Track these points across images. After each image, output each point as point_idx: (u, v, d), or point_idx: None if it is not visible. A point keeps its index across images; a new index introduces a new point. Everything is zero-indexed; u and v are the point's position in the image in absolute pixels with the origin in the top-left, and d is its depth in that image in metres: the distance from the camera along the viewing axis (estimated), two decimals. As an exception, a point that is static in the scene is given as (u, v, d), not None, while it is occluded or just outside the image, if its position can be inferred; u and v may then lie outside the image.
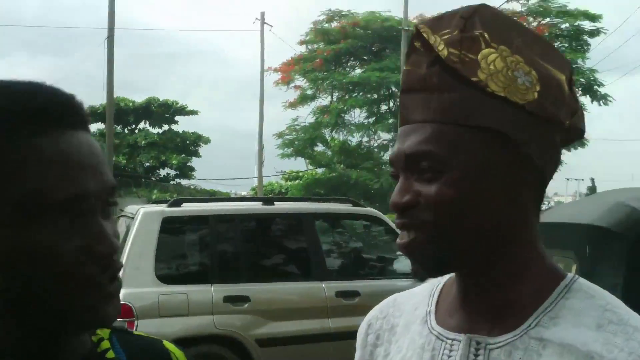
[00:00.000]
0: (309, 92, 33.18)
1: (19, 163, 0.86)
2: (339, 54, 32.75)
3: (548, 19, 32.10)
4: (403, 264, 7.52)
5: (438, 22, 1.06)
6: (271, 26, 33.73)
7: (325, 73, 32.78)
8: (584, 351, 0.99)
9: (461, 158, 1.01)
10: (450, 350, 1.09)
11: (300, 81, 33.48)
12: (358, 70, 33.45)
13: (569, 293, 1.06)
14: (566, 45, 32.04)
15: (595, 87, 31.01)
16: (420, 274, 1.07)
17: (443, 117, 1.02)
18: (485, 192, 1.02)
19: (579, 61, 31.18)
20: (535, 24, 32.22)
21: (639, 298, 4.47)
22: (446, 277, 1.20)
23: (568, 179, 63.21)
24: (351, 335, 5.92)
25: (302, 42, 33.95)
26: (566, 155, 31.98)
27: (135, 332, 1.15)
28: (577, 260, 4.78)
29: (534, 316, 1.04)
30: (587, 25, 31.54)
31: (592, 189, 57.75)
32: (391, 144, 32.12)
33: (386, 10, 33.72)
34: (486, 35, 1.03)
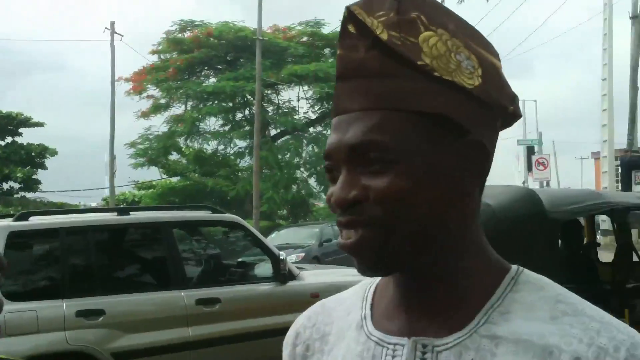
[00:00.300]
0: (162, 101, 32.66)
1: None
2: (192, 63, 32.52)
3: (397, 30, 33.23)
4: (263, 268, 7.49)
5: (369, 4, 0.96)
6: (122, 36, 32.86)
7: (178, 82, 32.43)
8: (540, 345, 0.92)
9: (412, 147, 0.93)
10: (394, 357, 0.99)
11: (153, 90, 32.97)
12: (212, 80, 33.30)
13: (516, 286, 0.98)
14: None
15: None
16: (367, 274, 0.98)
17: (389, 104, 0.93)
18: (437, 184, 0.94)
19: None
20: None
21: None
22: (377, 278, 1.10)
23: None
24: (211, 342, 5.80)
25: (154, 52, 33.46)
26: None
27: None
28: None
29: (482, 312, 0.97)
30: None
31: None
32: (247, 150, 32.18)
33: (240, 21, 33.75)
34: (423, 18, 0.95)
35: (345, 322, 1.09)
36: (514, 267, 1.01)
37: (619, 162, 20.76)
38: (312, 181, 32.67)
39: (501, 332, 0.94)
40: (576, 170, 67.63)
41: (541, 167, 26.11)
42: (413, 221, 0.93)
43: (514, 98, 1.01)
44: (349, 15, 0.97)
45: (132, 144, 32.33)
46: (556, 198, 4.98)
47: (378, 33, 0.94)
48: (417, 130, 0.93)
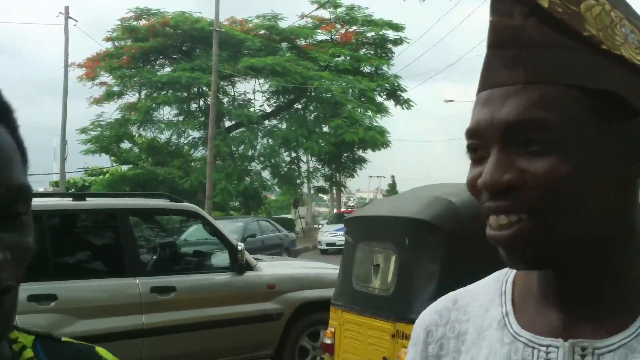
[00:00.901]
0: (116, 89, 32.21)
1: None
2: (147, 51, 32.14)
3: (355, 27, 33.33)
4: (220, 258, 7.45)
5: None
6: (76, 21, 32.19)
7: (132, 70, 32.00)
8: None
9: (577, 127, 0.82)
10: (547, 359, 0.90)
11: (106, 78, 32.46)
12: (167, 69, 32.94)
13: None
14: (372, 52, 33.48)
15: (399, 92, 32.68)
16: (520, 268, 0.89)
17: (553, 78, 0.83)
18: (603, 169, 0.83)
19: (384, 67, 32.71)
20: (343, 31, 33.30)
21: (456, 286, 4.73)
22: (512, 270, 1.01)
23: (370, 176, 65.89)
24: (166, 330, 5.71)
25: (108, 39, 32.92)
26: (369, 154, 33.40)
27: (63, 339, 1.00)
28: (397, 251, 4.93)
29: None
30: (391, 34, 33.18)
31: (392, 186, 60.72)
32: (200, 141, 31.93)
33: (197, 11, 33.47)
34: None
35: (484, 320, 0.99)
36: None
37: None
38: (265, 174, 32.59)
39: None
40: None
41: (492, 169, 26.40)
42: (577, 211, 0.83)
43: None
44: None
45: (84, 130, 31.80)
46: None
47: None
48: (583, 108, 0.83)
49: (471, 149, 0.89)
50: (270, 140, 31.86)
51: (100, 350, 1.02)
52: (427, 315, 1.06)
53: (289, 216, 42.05)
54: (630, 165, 0.85)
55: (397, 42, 33.09)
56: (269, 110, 33.52)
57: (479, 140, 0.87)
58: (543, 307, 0.93)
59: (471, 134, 0.88)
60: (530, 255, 0.84)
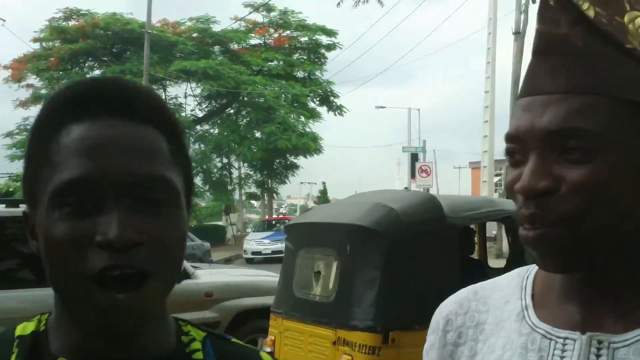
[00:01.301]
0: (43, 91, 31.39)
1: (53, 153, 0.85)
2: (76, 53, 31.43)
3: (288, 32, 33.34)
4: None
5: None
6: (4, 21, 31.28)
7: (61, 72, 31.24)
8: None
9: (617, 138, 0.85)
10: (563, 351, 0.94)
11: (34, 80, 31.60)
12: (97, 72, 32.29)
13: None
14: (305, 57, 33.56)
15: (332, 97, 32.83)
16: (550, 270, 0.91)
17: (595, 88, 0.86)
18: (638, 179, 0.87)
19: (317, 73, 32.83)
20: (276, 35, 33.28)
21: (396, 291, 4.73)
22: (534, 266, 1.03)
23: (302, 183, 65.92)
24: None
25: (35, 40, 32.05)
26: (301, 160, 33.47)
27: (233, 340, 1.05)
28: (338, 258, 4.93)
29: None
30: (324, 39, 33.32)
31: (323, 192, 60.97)
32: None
33: (128, 13, 32.87)
34: None
35: (503, 312, 1.03)
36: None
37: (502, 171, 21.62)
38: (197, 180, 32.29)
39: None
40: (454, 178, 69.89)
41: (424, 174, 26.74)
42: (609, 217, 0.86)
43: None
44: None
45: (9, 134, 30.93)
46: (455, 204, 5.11)
47: (584, 9, 0.87)
48: (625, 119, 0.85)
49: (510, 153, 0.92)
50: (202, 145, 31.59)
51: (265, 355, 1.03)
52: (448, 305, 1.10)
53: (220, 223, 41.70)
54: None
55: (331, 47, 33.26)
56: (200, 114, 33.25)
57: (518, 145, 0.90)
58: (563, 302, 0.96)
59: (511, 138, 0.91)
60: (561, 261, 0.88)
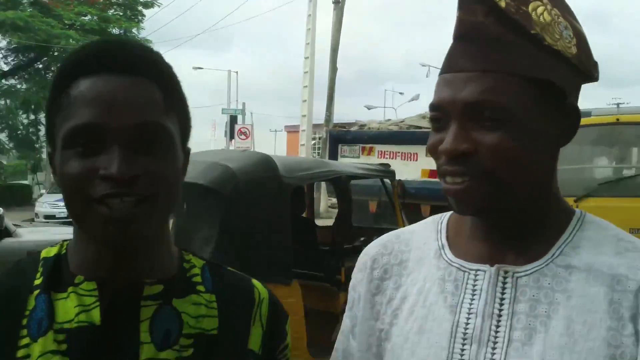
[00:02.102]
0: None
1: (65, 103, 1.02)
2: None
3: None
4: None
5: None
6: None
7: None
8: (610, 274, 1.07)
9: (522, 109, 1.03)
10: (475, 280, 1.12)
11: None
12: None
13: (583, 225, 1.14)
14: (121, 13, 32.39)
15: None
16: (465, 213, 1.11)
17: (505, 68, 1.03)
18: (539, 143, 1.06)
19: (134, 30, 31.84)
20: (90, -11, 31.84)
21: (232, 247, 4.83)
22: (448, 213, 1.24)
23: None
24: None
25: None
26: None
27: (228, 268, 1.23)
28: (175, 215, 4.95)
29: (557, 246, 1.12)
30: (142, -4, 32.31)
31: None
32: None
33: None
34: None
35: (423, 251, 1.22)
36: (578, 210, 1.17)
37: (319, 135, 22.22)
38: (2, 136, 30.44)
39: (574, 262, 1.10)
40: (270, 141, 70.68)
41: (243, 137, 26.89)
42: (516, 175, 1.05)
43: (596, 65, 1.12)
44: None
45: None
46: (290, 164, 5.27)
47: (497, 0, 1.04)
48: (527, 94, 1.04)
49: (434, 120, 1.10)
50: (8, 100, 29.73)
51: (255, 282, 1.22)
52: (374, 247, 1.29)
53: (26, 182, 39.62)
54: (560, 139, 1.11)
55: (148, 5, 32.30)
56: (6, 68, 31.20)
57: (441, 114, 1.08)
58: (472, 241, 1.17)
59: (435, 107, 1.09)
60: (476, 206, 1.08)
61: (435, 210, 8.58)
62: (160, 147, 1.02)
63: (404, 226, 6.32)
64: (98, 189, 0.98)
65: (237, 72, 42.77)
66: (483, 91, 1.03)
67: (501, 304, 1.10)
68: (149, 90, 1.03)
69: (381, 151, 10.90)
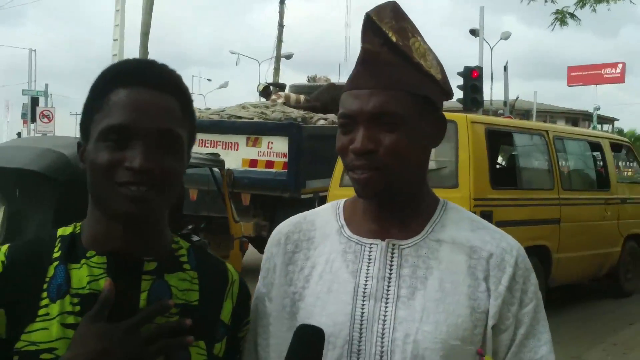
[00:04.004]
0: None
1: (105, 105, 1.31)
2: None
3: None
4: None
5: (379, 13, 1.42)
6: None
7: None
8: (468, 245, 1.46)
9: (410, 117, 1.39)
10: (370, 251, 1.46)
11: None
12: None
13: (446, 210, 1.52)
14: None
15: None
16: (368, 197, 1.44)
17: (398, 86, 1.39)
18: (421, 143, 1.44)
19: None
20: None
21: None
22: (343, 200, 1.59)
23: None
24: None
25: None
26: None
27: (209, 251, 1.53)
28: (6, 202, 4.89)
29: (429, 225, 1.49)
30: None
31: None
32: None
33: None
34: (409, 26, 1.44)
35: (326, 229, 1.53)
36: (442, 199, 1.54)
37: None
38: None
39: (443, 237, 1.47)
40: (71, 125, 67.69)
41: (46, 120, 25.78)
42: (407, 167, 1.41)
43: (450, 87, 1.50)
44: (368, 20, 1.43)
45: None
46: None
47: (389, 35, 1.40)
48: (413, 106, 1.40)
49: (343, 125, 1.44)
50: None
51: (229, 266, 1.50)
52: (285, 226, 1.59)
53: None
54: (434, 140, 1.49)
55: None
56: None
57: (350, 121, 1.42)
58: (366, 221, 1.51)
59: (345, 116, 1.43)
60: (377, 191, 1.42)
61: (255, 199, 9.05)
62: (173, 150, 1.31)
63: (232, 213, 6.67)
64: (122, 175, 1.26)
65: (35, 51, 40.62)
66: (383, 103, 1.38)
67: (391, 269, 1.44)
68: (170, 104, 1.33)
69: (202, 140, 10.98)
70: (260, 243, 11.23)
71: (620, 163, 13.64)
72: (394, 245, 1.46)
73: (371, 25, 1.43)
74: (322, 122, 11.46)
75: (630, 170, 17.50)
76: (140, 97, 1.30)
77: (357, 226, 1.51)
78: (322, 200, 9.56)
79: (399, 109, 1.38)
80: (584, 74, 54.25)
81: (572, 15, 11.85)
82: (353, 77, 1.45)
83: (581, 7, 11.66)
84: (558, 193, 8.70)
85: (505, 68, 30.28)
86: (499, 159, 11.03)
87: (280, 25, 29.92)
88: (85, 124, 1.34)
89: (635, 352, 7.44)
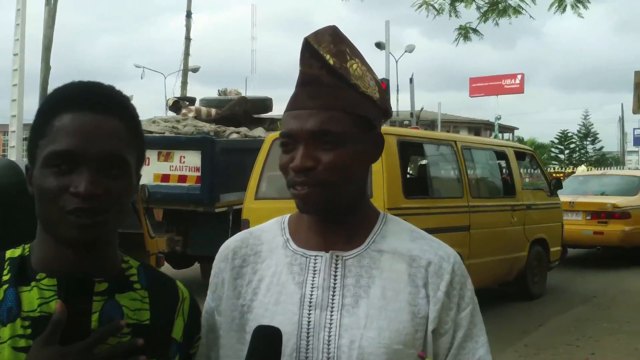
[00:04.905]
0: None
1: (49, 130, 1.29)
2: None
3: None
4: None
5: (317, 37, 1.49)
6: None
7: None
8: (408, 255, 1.52)
9: (349, 135, 1.45)
10: (315, 263, 1.51)
11: None
12: None
13: (386, 222, 1.58)
14: None
15: None
16: (309, 212, 1.49)
17: (336, 106, 1.45)
18: (361, 159, 1.49)
19: None
20: None
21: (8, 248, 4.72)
22: (287, 215, 1.63)
23: None
24: None
25: None
26: None
27: (158, 270, 1.53)
28: None
29: (370, 236, 1.55)
30: None
31: None
32: None
33: None
34: (347, 50, 1.50)
35: (272, 244, 1.58)
36: (382, 212, 1.61)
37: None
38: None
39: (384, 247, 1.53)
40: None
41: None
42: (346, 183, 1.46)
43: (390, 106, 1.55)
44: (307, 44, 1.49)
45: None
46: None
47: (327, 58, 1.43)
48: (352, 125, 1.46)
49: (284, 144, 1.49)
50: None
51: (179, 283, 1.51)
52: (233, 242, 1.64)
53: None
54: (373, 156, 1.55)
55: None
56: None
57: (290, 140, 1.47)
58: (310, 234, 1.56)
59: (286, 135, 1.48)
60: (318, 206, 1.47)
61: (168, 214, 8.96)
62: (119, 173, 1.30)
63: (148, 228, 6.61)
64: (69, 203, 1.25)
65: None
66: (322, 122, 1.43)
67: (335, 279, 1.49)
68: (116, 127, 1.32)
69: (113, 155, 10.69)
70: (173, 258, 11.13)
71: (522, 170, 14.13)
72: (337, 256, 1.51)
73: (309, 49, 1.48)
74: (234, 135, 11.45)
75: (529, 177, 18.24)
76: (84, 122, 1.29)
77: (301, 240, 1.56)
78: (237, 214, 9.55)
79: (337, 128, 1.43)
80: (485, 85, 56.20)
81: (475, 31, 12.23)
82: (293, 99, 1.50)
83: (484, 22, 12.06)
84: (467, 201, 8.97)
85: (411, 80, 31.03)
86: (410, 169, 11.27)
87: (187, 39, 29.77)
88: (31, 149, 1.33)
89: (546, 352, 7.72)
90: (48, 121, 1.31)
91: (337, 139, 1.43)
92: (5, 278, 1.32)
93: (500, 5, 11.87)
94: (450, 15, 11.98)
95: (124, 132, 1.32)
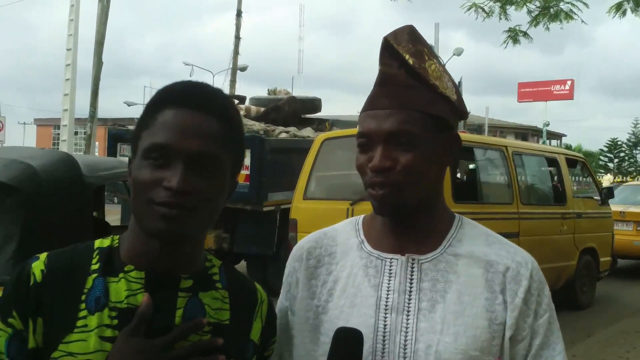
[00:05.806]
0: None
1: (152, 124, 1.33)
2: None
3: None
4: None
5: (396, 37, 1.48)
6: None
7: None
8: (485, 259, 1.50)
9: (426, 136, 1.43)
10: (391, 266, 1.50)
11: None
12: None
13: (462, 225, 1.56)
14: None
15: None
16: (384, 214, 1.49)
17: (414, 107, 1.44)
18: (437, 161, 1.47)
19: None
20: None
21: (37, 244, 4.80)
22: (361, 216, 1.63)
23: None
24: None
25: None
26: None
27: (238, 270, 1.53)
28: None
29: (446, 240, 1.53)
30: None
31: None
32: None
33: None
34: (425, 50, 1.49)
35: (347, 245, 1.58)
36: (457, 215, 1.59)
37: (84, 130, 21.54)
38: None
39: (460, 251, 1.51)
40: (18, 134, 66.45)
41: (-4, 129, 25.31)
42: (422, 184, 1.45)
43: (465, 106, 1.52)
44: (386, 44, 1.48)
45: None
46: (91, 163, 5.29)
47: (406, 58, 1.41)
48: (429, 125, 1.44)
49: (361, 144, 1.48)
50: None
51: (258, 285, 1.53)
52: (307, 242, 1.64)
53: None
54: (449, 158, 1.52)
55: None
56: None
57: (368, 140, 1.47)
58: (385, 237, 1.55)
59: (363, 135, 1.48)
60: (394, 207, 1.47)
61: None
62: (211, 173, 1.32)
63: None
64: (160, 195, 1.27)
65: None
66: (400, 123, 1.42)
67: (411, 283, 1.48)
68: (213, 127, 1.33)
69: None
70: (220, 255, 11.19)
71: (573, 178, 13.89)
72: (413, 259, 1.50)
73: (389, 48, 1.47)
74: (283, 135, 11.48)
75: (577, 185, 17.91)
76: (183, 118, 1.31)
77: (376, 241, 1.55)
78: (284, 213, 9.58)
79: (414, 128, 1.42)
80: (534, 90, 55.48)
81: (525, 34, 11.99)
82: (371, 98, 1.49)
83: (535, 26, 11.84)
84: (517, 207, 8.85)
85: (460, 83, 30.75)
86: (459, 174, 11.18)
87: (237, 38, 29.89)
88: (134, 140, 1.36)
89: (595, 363, 7.60)
90: (152, 115, 1.34)
91: (414, 140, 1.42)
92: (94, 267, 1.35)
93: (552, 9, 11.64)
94: (500, 18, 11.79)
95: (221, 133, 1.34)
